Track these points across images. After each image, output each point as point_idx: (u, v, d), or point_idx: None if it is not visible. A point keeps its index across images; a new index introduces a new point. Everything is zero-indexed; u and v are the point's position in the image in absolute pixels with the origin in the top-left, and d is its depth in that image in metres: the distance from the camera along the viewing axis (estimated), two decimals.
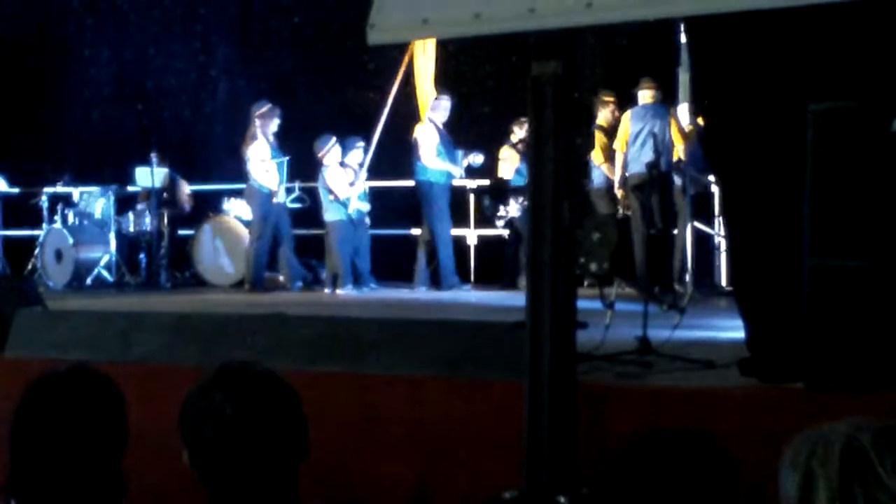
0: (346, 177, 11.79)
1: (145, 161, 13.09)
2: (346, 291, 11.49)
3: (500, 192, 12.10)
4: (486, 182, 12.94)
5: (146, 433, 3.25)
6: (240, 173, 13.77)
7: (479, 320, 6.18)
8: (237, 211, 12.78)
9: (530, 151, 4.21)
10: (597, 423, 4.39)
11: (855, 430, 1.68)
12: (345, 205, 11.71)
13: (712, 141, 5.10)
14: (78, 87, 16.03)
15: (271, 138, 12.01)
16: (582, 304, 4.35)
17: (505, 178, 12.22)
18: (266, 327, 5.62)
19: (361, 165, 11.97)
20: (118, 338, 5.83)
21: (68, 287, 12.41)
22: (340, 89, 14.56)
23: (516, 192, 11.71)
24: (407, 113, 12.24)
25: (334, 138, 11.90)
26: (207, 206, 13.16)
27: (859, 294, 4.22)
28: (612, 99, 11.73)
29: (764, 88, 4.58)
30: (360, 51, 13.45)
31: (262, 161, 11.82)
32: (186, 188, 13.42)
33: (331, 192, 11.71)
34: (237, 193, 12.98)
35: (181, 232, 13.22)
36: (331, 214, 11.75)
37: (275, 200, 11.90)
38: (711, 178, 10.54)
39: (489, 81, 13.76)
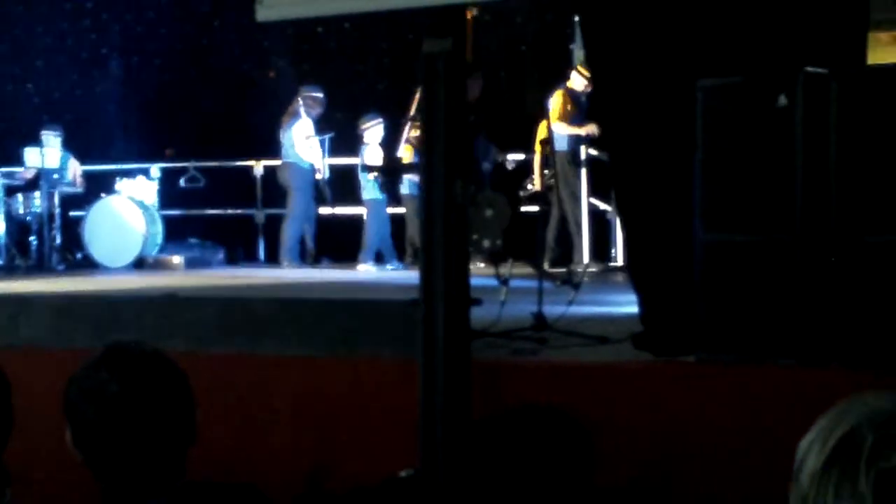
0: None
1: (35, 141, 12.82)
2: (366, 268, 11.41)
3: (393, 170, 11.94)
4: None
5: (31, 418, 3.17)
6: (135, 153, 13.59)
7: (374, 299, 6.16)
8: (130, 192, 12.57)
9: (422, 128, 4.19)
10: (492, 400, 4.40)
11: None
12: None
13: (603, 115, 5.13)
14: None
15: (313, 118, 12.08)
16: (476, 281, 4.35)
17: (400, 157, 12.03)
18: (157, 309, 5.55)
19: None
20: (6, 321, 5.71)
21: None
22: (237, 68, 14.36)
23: (409, 169, 11.43)
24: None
25: (380, 118, 11.80)
26: (100, 186, 12.90)
27: (750, 268, 4.29)
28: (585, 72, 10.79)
29: (653, 64, 4.61)
30: (254, 28, 13.29)
31: (307, 138, 11.87)
32: (78, 168, 13.15)
33: (370, 170, 11.65)
34: (128, 174, 12.81)
35: (73, 213, 12.96)
36: (368, 193, 11.72)
37: (317, 176, 12.01)
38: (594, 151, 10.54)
39: (386, 59, 13.66)
